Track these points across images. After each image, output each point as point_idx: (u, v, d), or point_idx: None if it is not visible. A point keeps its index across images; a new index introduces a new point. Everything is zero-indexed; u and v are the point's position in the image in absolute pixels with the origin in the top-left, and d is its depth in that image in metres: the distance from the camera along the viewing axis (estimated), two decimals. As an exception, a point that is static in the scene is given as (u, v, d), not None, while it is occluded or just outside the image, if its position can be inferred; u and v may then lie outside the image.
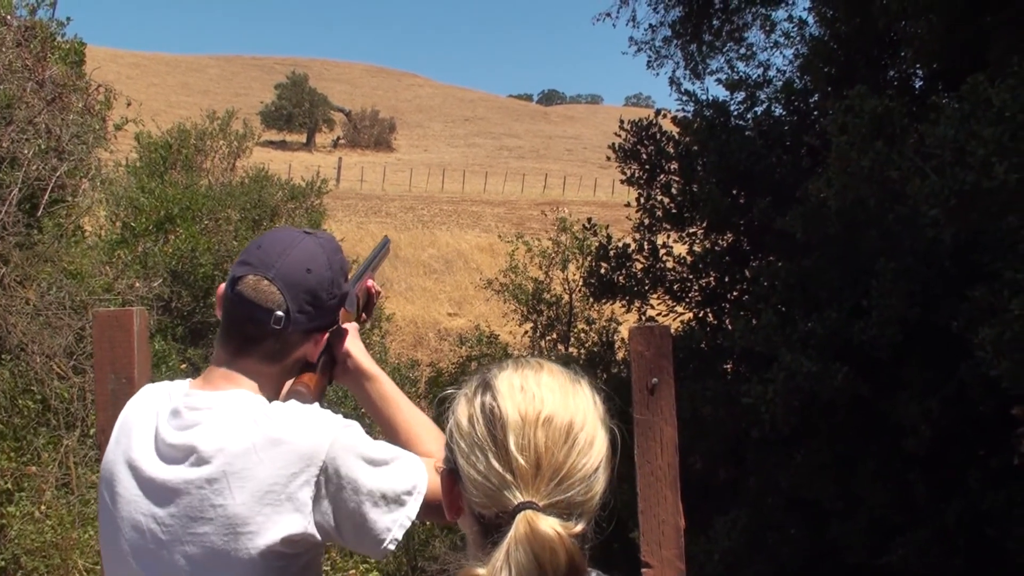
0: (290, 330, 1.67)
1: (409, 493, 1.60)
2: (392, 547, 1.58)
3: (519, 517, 1.16)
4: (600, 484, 1.24)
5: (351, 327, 1.93)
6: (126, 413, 1.72)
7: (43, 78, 9.41)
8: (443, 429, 1.33)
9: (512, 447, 1.19)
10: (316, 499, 1.57)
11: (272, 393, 1.71)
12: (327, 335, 1.79)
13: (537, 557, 1.14)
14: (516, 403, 1.23)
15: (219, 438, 1.58)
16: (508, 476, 1.19)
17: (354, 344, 1.90)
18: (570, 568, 1.15)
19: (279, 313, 1.65)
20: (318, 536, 1.58)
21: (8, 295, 8.87)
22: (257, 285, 1.65)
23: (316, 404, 1.70)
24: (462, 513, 1.29)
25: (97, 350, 2.45)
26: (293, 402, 1.67)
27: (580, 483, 1.20)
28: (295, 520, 1.55)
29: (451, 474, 1.28)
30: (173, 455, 1.60)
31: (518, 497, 1.18)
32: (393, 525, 1.58)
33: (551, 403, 1.23)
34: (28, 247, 9.21)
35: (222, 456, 1.56)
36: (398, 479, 1.60)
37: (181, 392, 1.68)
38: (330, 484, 1.57)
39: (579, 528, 1.19)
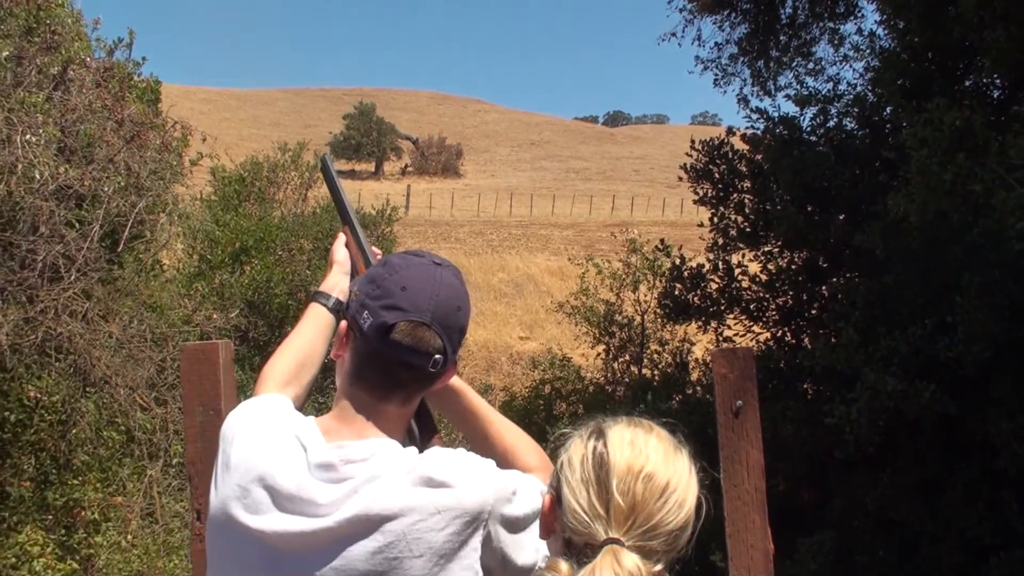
0: (444, 369, 1.67)
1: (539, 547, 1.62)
2: None
3: (606, 549, 1.33)
4: (682, 541, 1.40)
5: None
6: (246, 454, 1.61)
7: (122, 117, 9.62)
8: (555, 462, 1.49)
9: (614, 490, 1.36)
10: (483, 554, 1.58)
11: (401, 433, 1.69)
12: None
13: None
14: (624, 454, 1.39)
15: (389, 500, 1.53)
16: (604, 513, 1.35)
17: None
18: None
19: (438, 357, 1.64)
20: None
21: (92, 329, 9.06)
22: (415, 332, 1.62)
23: (473, 456, 1.67)
24: (554, 533, 1.45)
25: (185, 383, 2.46)
26: (452, 457, 1.62)
27: (664, 536, 1.36)
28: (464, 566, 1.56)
29: (554, 500, 1.44)
30: (332, 514, 1.54)
31: (608, 533, 1.34)
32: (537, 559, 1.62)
33: (654, 462, 1.39)
34: (110, 282, 9.40)
35: (398, 521, 1.52)
36: (536, 538, 1.62)
37: (317, 437, 1.61)
38: (492, 540, 1.58)
39: (657, 569, 1.35)
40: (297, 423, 1.66)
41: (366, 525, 1.53)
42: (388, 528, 1.52)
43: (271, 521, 1.55)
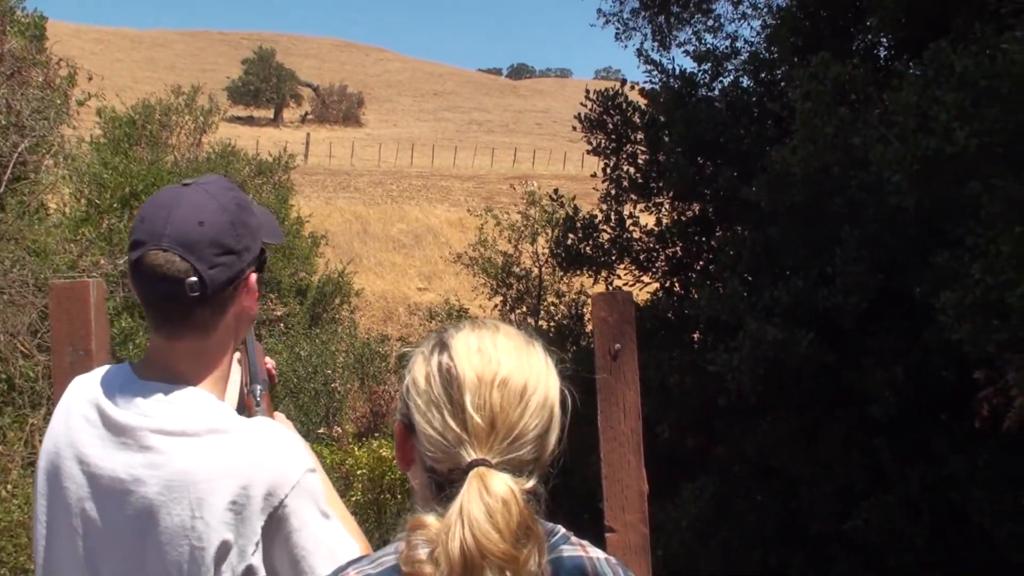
0: (211, 291, 1.54)
1: (353, 551, 1.55)
2: None
3: (472, 473, 1.21)
4: (551, 442, 1.29)
5: (279, 416, 1.84)
6: (70, 401, 1.60)
7: (1, 52, 9.27)
8: (400, 384, 1.36)
9: (469, 407, 1.23)
10: (267, 531, 1.50)
11: (215, 370, 1.61)
12: (253, 277, 1.64)
13: (490, 511, 1.18)
14: (473, 364, 1.26)
15: (181, 452, 1.49)
16: (463, 434, 1.23)
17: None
18: (520, 522, 1.20)
19: (192, 279, 1.51)
20: (261, 569, 1.52)
21: (-31, 273, 8.78)
22: (154, 260, 1.51)
23: (292, 431, 1.63)
24: (413, 464, 1.32)
25: (54, 323, 2.40)
26: (266, 424, 1.58)
27: (532, 442, 1.25)
28: (239, 545, 1.49)
29: (405, 428, 1.31)
30: (131, 451, 1.51)
31: (472, 454, 1.22)
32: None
33: (507, 365, 1.27)
34: (-11, 225, 9.10)
35: (186, 475, 1.48)
36: (345, 536, 1.57)
37: (128, 376, 1.58)
38: (284, 523, 1.51)
39: (530, 485, 1.24)
40: (113, 367, 1.63)
41: (156, 473, 1.49)
42: (174, 482, 1.48)
43: (93, 448, 1.54)
